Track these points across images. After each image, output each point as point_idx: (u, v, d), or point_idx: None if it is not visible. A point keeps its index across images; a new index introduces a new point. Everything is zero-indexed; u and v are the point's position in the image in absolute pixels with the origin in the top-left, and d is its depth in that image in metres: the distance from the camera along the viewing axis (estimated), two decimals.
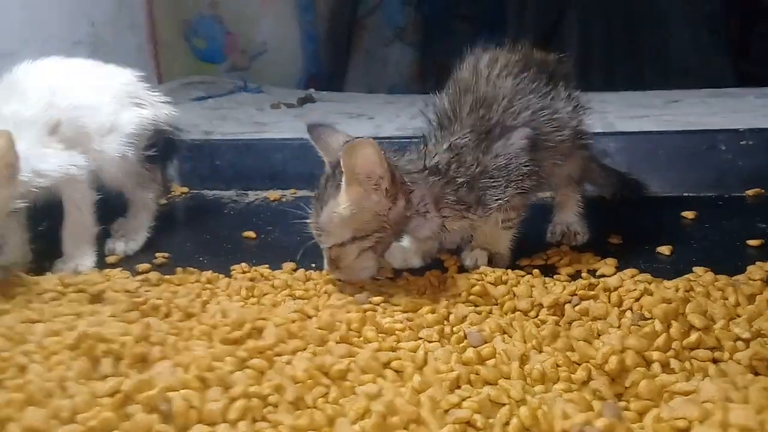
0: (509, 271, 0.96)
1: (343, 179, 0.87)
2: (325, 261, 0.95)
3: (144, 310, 0.86)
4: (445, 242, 1.04)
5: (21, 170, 0.95)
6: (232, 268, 1.06)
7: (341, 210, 0.88)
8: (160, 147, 1.23)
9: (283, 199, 1.47)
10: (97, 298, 0.95)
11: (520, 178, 0.94)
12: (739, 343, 0.73)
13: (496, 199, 0.93)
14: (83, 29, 2.45)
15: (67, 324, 0.78)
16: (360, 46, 3.56)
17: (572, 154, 1.03)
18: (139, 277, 1.02)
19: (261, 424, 0.59)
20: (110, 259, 1.15)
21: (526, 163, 0.94)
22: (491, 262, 1.01)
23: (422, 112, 1.01)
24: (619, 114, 2.12)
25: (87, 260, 1.09)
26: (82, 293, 0.96)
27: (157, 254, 1.16)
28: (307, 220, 0.96)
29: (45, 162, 1.02)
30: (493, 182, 0.93)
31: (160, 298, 0.90)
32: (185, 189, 1.56)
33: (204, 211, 1.46)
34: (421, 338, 0.74)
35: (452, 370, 0.64)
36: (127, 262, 1.15)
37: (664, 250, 1.05)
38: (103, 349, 0.69)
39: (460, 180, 0.93)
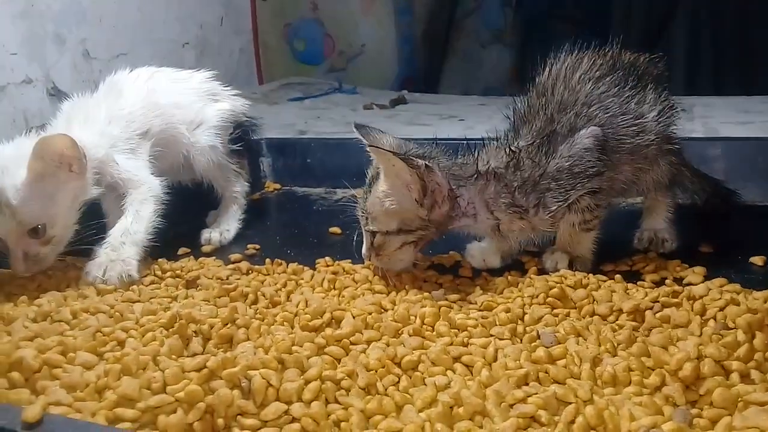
0: (590, 275, 0.95)
1: (382, 173, 0.93)
2: (365, 246, 0.99)
3: (233, 296, 0.91)
4: (523, 243, 1.04)
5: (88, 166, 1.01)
6: (316, 261, 1.11)
7: (381, 197, 0.93)
8: (242, 141, 1.31)
9: None
10: (191, 284, 1.02)
11: (586, 179, 0.93)
12: None
13: (557, 201, 0.93)
14: (192, 32, 2.59)
15: (162, 305, 0.84)
16: (456, 48, 3.56)
17: (658, 159, 1.01)
18: (231, 266, 1.08)
19: (333, 405, 0.62)
20: (205, 249, 1.22)
21: (593, 164, 0.93)
22: (572, 265, 1.00)
23: (505, 115, 1.02)
24: (723, 119, 2.03)
25: (131, 264, 1.01)
26: (178, 279, 1.04)
27: (248, 245, 1.22)
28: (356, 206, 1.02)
29: (125, 161, 1.09)
30: (554, 184, 0.92)
31: (249, 286, 0.95)
32: (277, 185, 1.63)
33: (294, 206, 1.52)
34: (492, 335, 0.74)
35: (521, 368, 0.65)
36: (221, 251, 1.22)
37: (757, 260, 1.00)
38: (194, 329, 0.75)
39: (516, 183, 0.93)
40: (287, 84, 2.94)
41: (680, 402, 0.62)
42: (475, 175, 0.95)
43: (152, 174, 1.12)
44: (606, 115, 0.95)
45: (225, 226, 1.27)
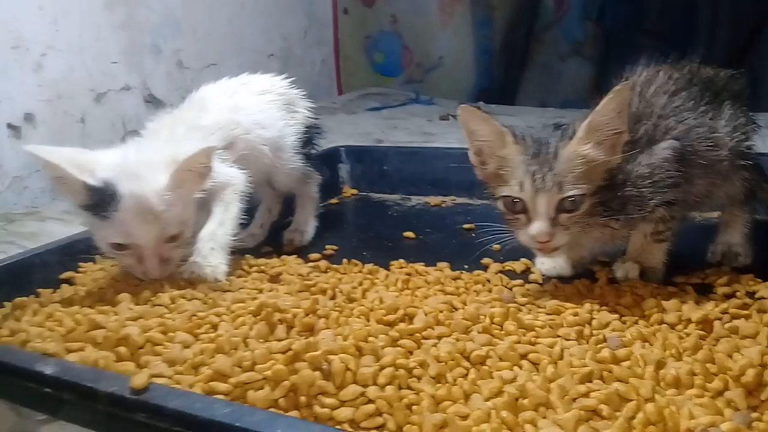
0: (660, 285, 0.96)
1: (588, 122, 0.88)
2: (543, 225, 0.88)
3: (313, 291, 0.98)
4: (595, 253, 1.06)
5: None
6: (390, 263, 1.16)
7: (587, 150, 0.88)
8: (312, 142, 1.34)
9: (443, 205, 1.55)
10: (275, 279, 1.09)
11: (665, 189, 0.94)
12: None
13: (639, 209, 0.93)
14: (276, 43, 2.71)
15: (251, 295, 0.91)
16: (536, 60, 3.57)
17: (731, 174, 1.01)
18: (310, 264, 1.15)
19: (405, 390, 0.66)
20: (287, 248, 1.29)
21: (671, 175, 0.94)
22: (643, 275, 1.02)
23: None
24: None
25: (220, 268, 1.03)
26: (263, 273, 1.11)
27: (326, 246, 1.28)
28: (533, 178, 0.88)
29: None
30: (635, 191, 0.94)
31: (327, 283, 1.02)
32: (354, 191, 1.69)
33: (370, 211, 1.58)
34: (559, 336, 0.78)
35: (585, 366, 0.68)
36: (301, 251, 1.29)
37: None
38: (279, 317, 0.81)
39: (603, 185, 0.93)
40: (365, 94, 3.03)
41: (741, 406, 0.64)
42: None
43: (233, 167, 1.13)
44: (681, 128, 0.97)
45: (304, 227, 1.33)
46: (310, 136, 1.31)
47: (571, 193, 0.87)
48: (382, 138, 2.33)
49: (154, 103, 2.13)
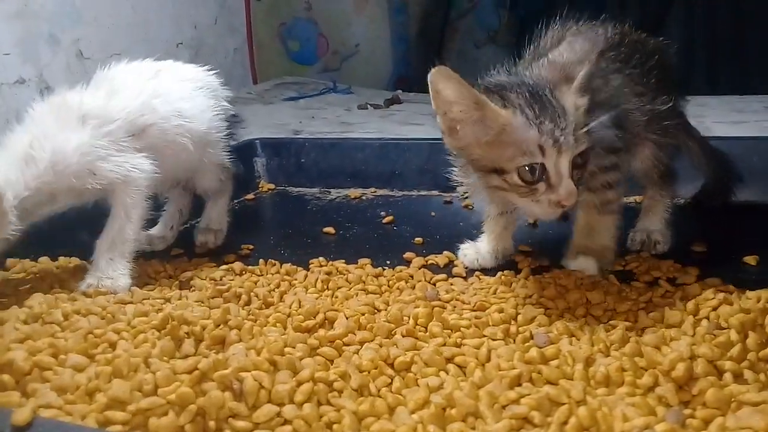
0: (583, 275, 0.95)
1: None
2: (569, 185, 0.81)
3: (227, 297, 0.91)
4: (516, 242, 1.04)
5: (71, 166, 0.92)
6: (310, 261, 1.10)
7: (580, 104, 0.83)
8: (234, 132, 1.22)
9: (363, 198, 1.51)
10: (185, 285, 1.02)
11: (604, 152, 0.90)
12: None
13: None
14: (187, 32, 2.59)
15: (155, 306, 0.84)
16: (451, 48, 3.57)
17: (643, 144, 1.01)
18: (224, 267, 1.08)
19: (325, 407, 0.61)
20: (200, 250, 1.21)
21: (611, 138, 0.90)
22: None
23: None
24: (716, 119, 2.04)
25: (120, 280, 0.95)
26: (171, 279, 1.03)
27: (242, 246, 1.21)
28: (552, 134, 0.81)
29: (105, 160, 0.95)
30: None
31: (242, 287, 0.95)
32: (271, 185, 1.62)
33: (288, 206, 1.52)
34: (485, 336, 0.74)
35: (514, 368, 0.65)
36: (215, 251, 1.21)
37: (750, 260, 1.01)
38: (186, 330, 0.74)
39: None
40: (281, 83, 2.94)
41: (673, 402, 0.62)
42: None
43: (136, 156, 0.98)
44: (608, 88, 0.93)
45: (218, 225, 1.24)
46: (231, 128, 1.19)
47: (584, 146, 0.82)
48: (300, 129, 2.26)
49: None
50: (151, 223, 1.17)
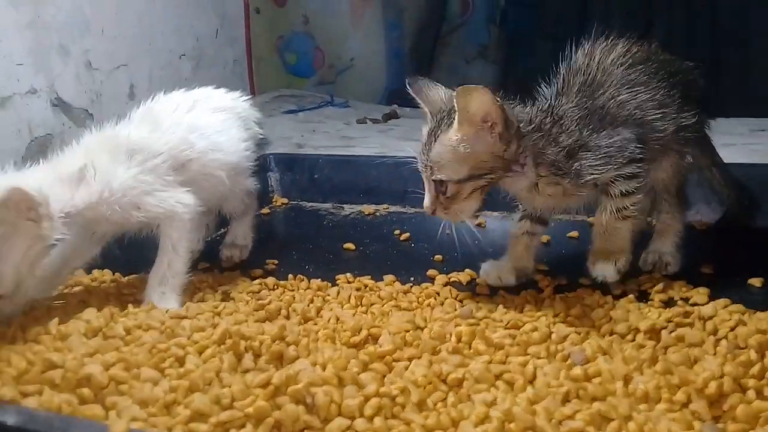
0: (604, 294, 1.01)
1: (456, 118, 0.93)
2: (428, 199, 0.99)
3: (269, 310, 0.96)
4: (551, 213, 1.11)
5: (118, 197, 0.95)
6: (336, 277, 1.15)
7: (453, 143, 0.94)
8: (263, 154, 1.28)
9: (377, 214, 1.56)
10: (227, 297, 1.06)
11: (622, 161, 0.97)
12: None
13: (592, 174, 0.97)
14: (188, 43, 2.62)
15: (209, 321, 0.88)
16: (442, 63, 3.63)
17: (668, 154, 1.08)
18: (258, 281, 1.12)
19: (393, 421, 0.66)
20: (226, 264, 1.25)
21: (632, 150, 0.98)
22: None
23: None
24: None
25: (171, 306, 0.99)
26: (213, 291, 1.08)
27: (267, 261, 1.26)
28: (415, 159, 1.01)
29: (152, 195, 0.99)
30: (592, 157, 0.97)
31: (281, 301, 1.00)
32: (285, 200, 1.67)
33: (303, 221, 1.56)
34: (529, 354, 0.80)
35: (562, 385, 0.70)
36: (240, 266, 1.26)
37: (755, 282, 1.07)
38: (245, 345, 0.79)
39: (561, 145, 0.97)
40: (279, 96, 2.98)
41: (706, 418, 0.68)
42: (531, 125, 0.98)
43: (180, 191, 1.03)
44: (635, 102, 1.02)
45: (242, 241, 1.29)
46: (260, 152, 1.24)
47: (438, 177, 0.96)
48: (302, 142, 2.31)
49: (61, 106, 2.01)
50: None
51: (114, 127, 1.03)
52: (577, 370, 0.73)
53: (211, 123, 1.11)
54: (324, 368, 0.72)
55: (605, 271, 1.03)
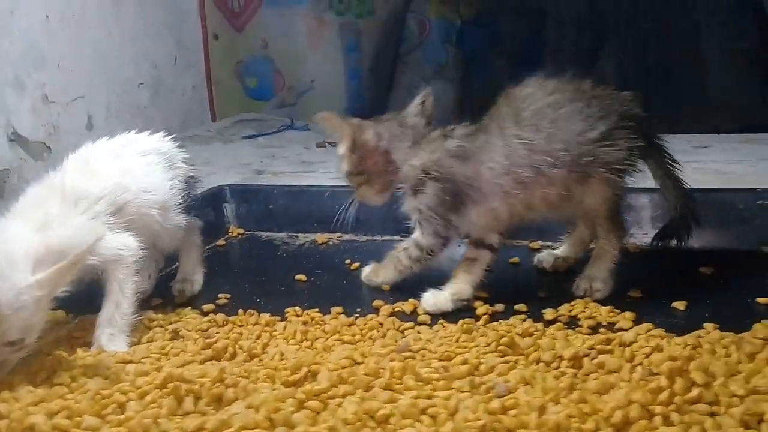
0: (534, 320, 1.07)
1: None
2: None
3: (216, 348, 1.00)
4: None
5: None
6: (286, 310, 1.19)
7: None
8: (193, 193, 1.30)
9: (330, 243, 1.60)
10: (176, 336, 1.10)
11: None
12: (735, 399, 0.82)
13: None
14: (146, 71, 2.65)
15: (154, 365, 0.92)
16: (401, 82, 3.70)
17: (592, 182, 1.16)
18: (207, 319, 1.16)
19: None
20: (178, 299, 1.29)
21: None
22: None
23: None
24: None
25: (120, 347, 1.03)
26: (162, 328, 1.12)
27: (219, 295, 1.29)
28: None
29: (99, 240, 1.01)
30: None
31: (228, 338, 1.04)
32: (241, 230, 1.71)
33: (258, 252, 1.60)
34: (453, 388, 0.85)
35: (479, 419, 0.75)
36: (193, 300, 1.29)
37: (679, 305, 1.14)
38: (186, 389, 0.83)
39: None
40: (240, 121, 3.02)
41: None
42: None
43: (124, 234, 1.07)
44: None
45: (192, 276, 1.32)
46: (188, 189, 1.27)
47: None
48: (262, 168, 2.35)
49: (18, 141, 2.02)
50: None
51: (54, 177, 1.07)
52: (495, 403, 0.78)
53: (139, 166, 1.16)
54: (257, 410, 0.76)
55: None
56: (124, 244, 1.05)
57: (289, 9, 3.22)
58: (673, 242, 1.29)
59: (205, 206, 1.66)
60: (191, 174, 1.28)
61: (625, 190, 1.21)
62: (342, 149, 1.27)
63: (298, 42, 3.27)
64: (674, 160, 1.25)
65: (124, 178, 1.11)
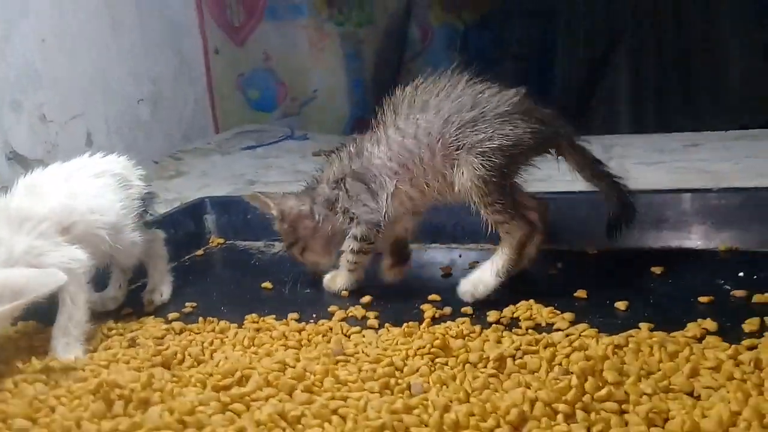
0: (474, 325, 1.10)
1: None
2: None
3: (165, 355, 1.05)
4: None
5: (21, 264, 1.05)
6: (245, 317, 1.24)
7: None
8: (150, 208, 1.35)
9: None
10: (133, 343, 1.15)
11: None
12: (644, 398, 0.84)
13: None
14: (146, 87, 2.72)
15: (94, 372, 0.97)
16: None
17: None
18: (165, 327, 1.21)
19: None
20: (148, 309, 1.34)
21: None
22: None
23: None
24: (637, 159, 2.21)
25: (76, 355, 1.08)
26: (121, 337, 1.18)
27: (186, 303, 1.35)
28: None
29: (46, 256, 1.09)
30: None
31: (179, 346, 1.09)
32: (221, 240, 1.76)
33: (234, 261, 1.66)
34: (365, 389, 0.89)
35: (379, 418, 0.79)
36: (162, 309, 1.35)
37: (621, 305, 1.15)
38: (118, 393, 0.88)
39: None
40: (241, 132, 3.09)
41: None
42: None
43: (69, 248, 1.12)
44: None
45: (160, 286, 1.38)
46: (145, 206, 1.32)
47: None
48: (255, 179, 2.41)
49: (17, 159, 2.12)
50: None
51: (3, 200, 1.14)
52: (398, 404, 0.82)
53: (89, 188, 1.21)
54: (171, 413, 0.81)
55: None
56: (71, 258, 1.11)
57: (290, 21, 3.29)
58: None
59: (186, 218, 1.73)
60: (147, 191, 1.33)
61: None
62: (276, 225, 1.40)
63: (300, 53, 3.33)
64: (598, 160, 1.29)
65: (71, 199, 1.16)
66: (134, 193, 1.29)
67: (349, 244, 1.32)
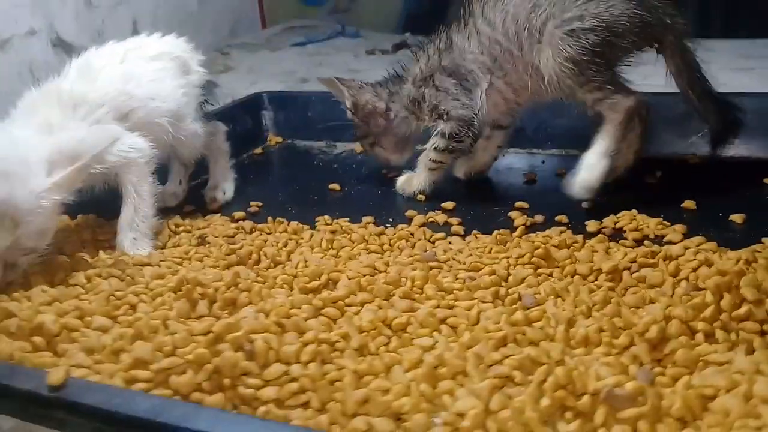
0: (576, 236, 1.00)
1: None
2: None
3: (240, 254, 0.98)
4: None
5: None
6: (316, 219, 1.16)
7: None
8: (210, 97, 1.27)
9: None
10: (202, 241, 1.08)
11: None
12: None
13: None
14: None
15: (171, 269, 0.90)
16: None
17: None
18: (235, 225, 1.13)
19: (328, 366, 0.68)
20: (211, 206, 1.27)
21: None
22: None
23: None
24: (724, 65, 2.03)
25: (144, 251, 1.02)
26: (189, 234, 1.11)
27: (251, 203, 1.26)
28: None
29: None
30: None
31: (252, 245, 1.01)
32: (279, 138, 1.66)
33: (295, 161, 1.56)
34: (475, 298, 0.80)
35: (500, 330, 0.70)
36: (226, 207, 1.27)
37: (737, 218, 1.04)
38: (200, 292, 0.80)
39: None
40: (290, 28, 2.93)
41: (646, 361, 0.68)
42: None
43: (131, 136, 1.03)
44: None
45: (223, 183, 1.30)
46: (206, 95, 1.23)
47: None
48: (307, 77, 2.29)
49: (62, 46, 2.01)
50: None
51: (54, 82, 1.03)
52: (518, 315, 0.73)
53: (147, 72, 1.10)
54: (267, 315, 0.73)
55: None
56: (132, 146, 1.01)
57: None
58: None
59: (243, 114, 1.63)
60: (209, 79, 1.22)
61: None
62: (348, 114, 1.33)
63: None
64: (701, 72, 1.19)
65: (128, 84, 1.06)
66: (195, 80, 1.18)
67: (434, 142, 1.22)
